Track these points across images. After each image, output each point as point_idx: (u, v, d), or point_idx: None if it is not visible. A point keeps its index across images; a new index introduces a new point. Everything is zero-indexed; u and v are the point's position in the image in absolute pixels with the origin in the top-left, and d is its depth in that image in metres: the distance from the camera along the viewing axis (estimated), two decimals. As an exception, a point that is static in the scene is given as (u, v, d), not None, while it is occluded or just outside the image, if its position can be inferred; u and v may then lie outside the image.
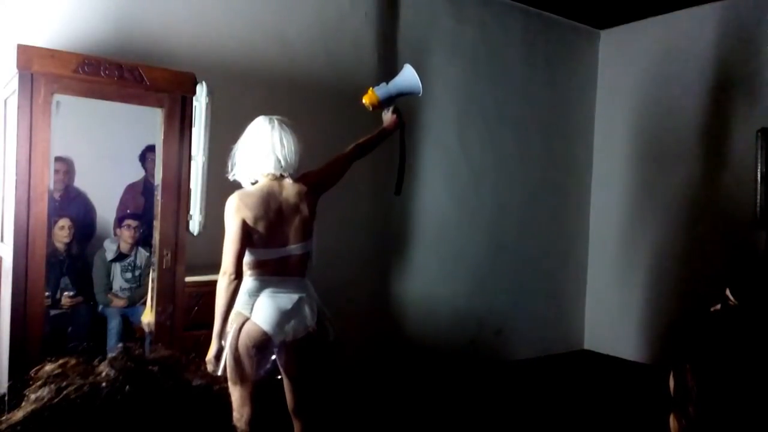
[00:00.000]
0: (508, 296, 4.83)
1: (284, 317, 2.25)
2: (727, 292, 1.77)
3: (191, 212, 2.93)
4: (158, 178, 2.73)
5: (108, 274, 3.18)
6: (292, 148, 2.30)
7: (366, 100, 2.65)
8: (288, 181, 2.33)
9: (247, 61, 3.55)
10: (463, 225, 4.58)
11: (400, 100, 2.73)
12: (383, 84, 2.70)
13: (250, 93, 3.45)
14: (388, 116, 2.71)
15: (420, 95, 2.75)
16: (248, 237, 2.23)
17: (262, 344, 2.23)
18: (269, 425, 2.43)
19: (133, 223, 3.19)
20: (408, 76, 2.66)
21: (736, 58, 4.42)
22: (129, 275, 3.19)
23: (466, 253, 4.59)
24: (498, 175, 4.75)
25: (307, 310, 2.31)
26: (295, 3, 3.74)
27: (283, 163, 2.29)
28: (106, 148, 2.96)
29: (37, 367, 0.59)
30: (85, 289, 3.13)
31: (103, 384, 0.56)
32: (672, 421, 0.91)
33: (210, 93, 3.01)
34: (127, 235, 3.19)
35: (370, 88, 2.68)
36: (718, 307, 1.73)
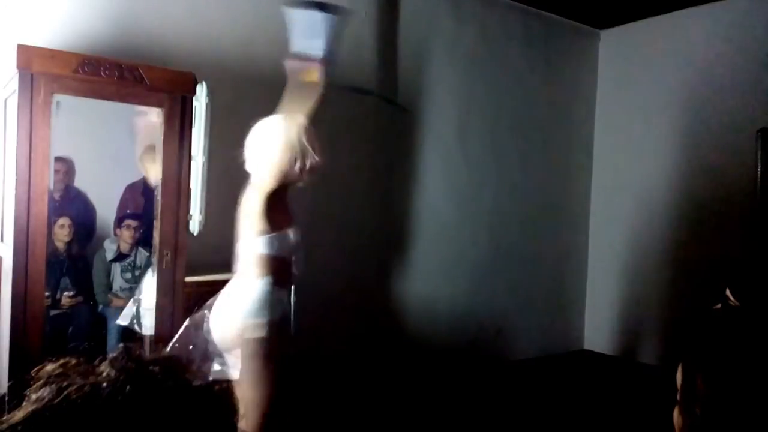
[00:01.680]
0: (508, 296, 4.83)
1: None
2: (728, 292, 1.77)
3: (191, 212, 2.93)
4: (158, 178, 2.73)
5: (108, 274, 3.18)
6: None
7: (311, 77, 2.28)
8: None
9: (247, 61, 3.54)
10: (463, 225, 4.58)
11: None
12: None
13: (250, 93, 3.45)
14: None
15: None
16: None
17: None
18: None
19: (132, 223, 3.19)
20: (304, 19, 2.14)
21: (736, 58, 4.42)
22: (129, 275, 3.19)
23: (466, 253, 4.59)
24: (498, 175, 4.75)
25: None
26: (295, 3, 3.74)
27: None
28: (106, 148, 2.96)
29: (38, 367, 0.59)
30: (85, 289, 3.14)
31: (104, 384, 0.56)
32: (677, 417, 0.91)
33: (210, 93, 3.01)
34: (126, 235, 3.19)
35: (312, 66, 2.31)
36: (719, 307, 1.73)
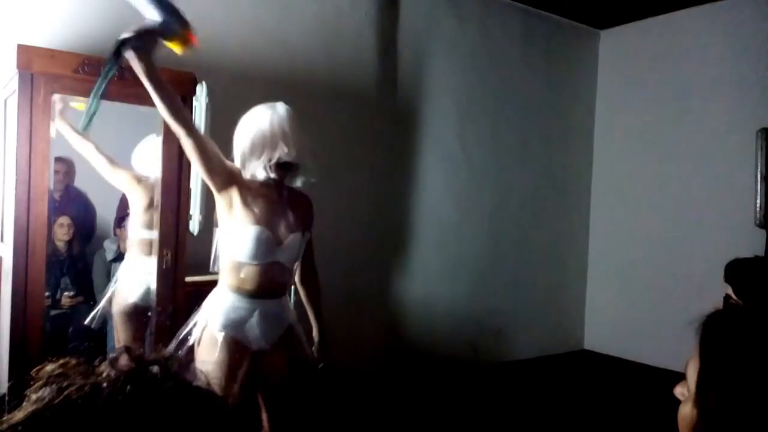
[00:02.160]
0: (508, 296, 4.83)
1: None
2: (730, 291, 1.77)
3: (191, 212, 2.93)
4: (158, 178, 2.72)
5: (108, 274, 3.18)
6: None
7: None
8: None
9: (247, 61, 3.54)
10: (463, 225, 4.58)
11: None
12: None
13: (250, 93, 3.45)
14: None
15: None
16: None
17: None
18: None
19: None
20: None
21: (736, 58, 4.41)
22: (129, 275, 3.18)
23: (466, 253, 4.59)
24: (498, 175, 4.75)
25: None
26: (294, 3, 3.74)
27: None
28: (107, 148, 2.96)
29: (38, 367, 0.59)
30: (85, 289, 3.13)
31: (104, 384, 0.55)
32: (688, 412, 0.90)
33: (210, 93, 3.01)
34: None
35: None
36: (720, 306, 1.74)
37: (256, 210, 2.06)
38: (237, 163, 2.09)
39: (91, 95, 1.80)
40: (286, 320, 2.19)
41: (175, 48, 1.85)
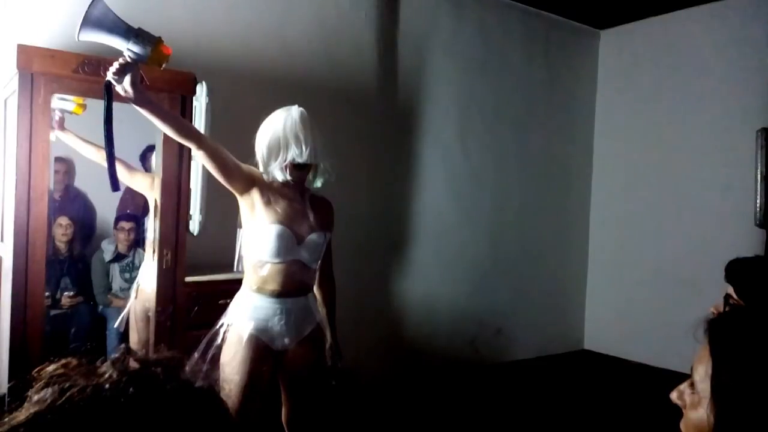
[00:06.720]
0: (508, 296, 4.83)
1: None
2: (730, 290, 1.77)
3: (191, 212, 2.93)
4: (158, 178, 2.72)
5: (107, 274, 3.18)
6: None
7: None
8: None
9: (247, 61, 3.54)
10: (463, 225, 4.58)
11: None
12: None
13: (250, 93, 3.45)
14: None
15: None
16: None
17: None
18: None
19: (127, 225, 3.19)
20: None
21: (736, 58, 4.42)
22: (128, 275, 3.19)
23: (466, 252, 4.59)
24: (498, 175, 4.75)
25: None
26: (294, 3, 3.74)
27: None
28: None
29: (39, 368, 0.59)
30: (86, 289, 3.13)
31: (107, 386, 0.55)
32: (701, 418, 0.87)
33: (210, 93, 3.01)
34: (122, 236, 3.18)
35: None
36: (720, 306, 1.73)
37: (278, 209, 2.10)
38: (260, 165, 2.14)
39: (105, 141, 1.82)
40: (313, 318, 2.20)
41: (155, 65, 1.86)
